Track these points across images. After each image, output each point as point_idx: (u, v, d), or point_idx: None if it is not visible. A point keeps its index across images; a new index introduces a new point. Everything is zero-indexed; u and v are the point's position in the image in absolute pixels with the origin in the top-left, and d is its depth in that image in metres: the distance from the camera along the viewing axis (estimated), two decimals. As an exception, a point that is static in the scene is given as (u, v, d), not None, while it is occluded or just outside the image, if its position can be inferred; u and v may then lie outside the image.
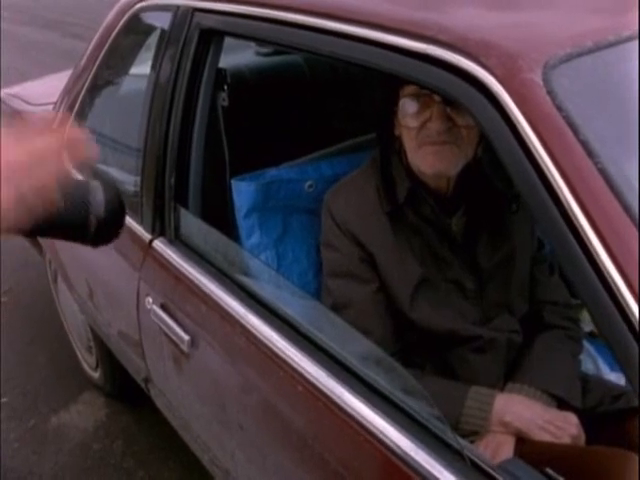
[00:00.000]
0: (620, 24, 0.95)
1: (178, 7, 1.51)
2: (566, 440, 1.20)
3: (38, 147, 0.69)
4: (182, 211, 1.51)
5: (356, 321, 1.15)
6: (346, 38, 1.08)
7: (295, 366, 1.16)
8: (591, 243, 0.78)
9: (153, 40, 1.68)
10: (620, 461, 1.04)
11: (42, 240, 2.39)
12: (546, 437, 1.21)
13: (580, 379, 1.40)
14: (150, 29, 1.76)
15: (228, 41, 1.47)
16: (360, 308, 1.36)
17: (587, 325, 1.55)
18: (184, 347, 1.42)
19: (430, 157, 1.26)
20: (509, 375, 1.38)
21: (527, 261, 1.46)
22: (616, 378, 1.48)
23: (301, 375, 1.15)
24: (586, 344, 1.55)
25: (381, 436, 1.01)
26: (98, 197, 0.91)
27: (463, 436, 1.09)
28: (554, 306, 1.48)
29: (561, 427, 1.21)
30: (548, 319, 1.47)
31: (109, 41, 1.88)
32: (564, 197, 0.80)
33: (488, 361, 1.37)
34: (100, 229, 0.91)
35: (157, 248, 1.56)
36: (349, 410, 1.06)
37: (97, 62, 1.93)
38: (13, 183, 0.64)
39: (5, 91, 2.68)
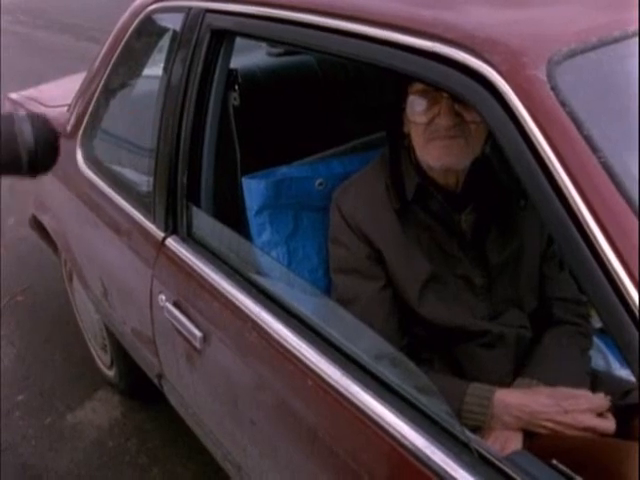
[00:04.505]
0: (625, 20, 0.95)
1: (190, 8, 1.53)
2: (571, 430, 1.20)
3: None
4: (194, 209, 1.52)
5: (360, 317, 1.16)
6: (353, 37, 1.09)
7: (306, 361, 1.17)
8: (594, 236, 0.79)
9: (165, 41, 1.70)
10: (628, 452, 1.05)
11: (57, 240, 2.42)
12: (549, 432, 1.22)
13: (589, 375, 1.40)
14: (162, 31, 1.78)
15: (240, 42, 1.49)
16: (365, 304, 1.37)
17: (597, 321, 1.54)
18: (196, 344, 1.44)
19: (438, 151, 1.27)
20: (518, 370, 1.39)
21: (536, 257, 1.46)
22: (626, 374, 1.47)
23: (312, 370, 1.16)
24: (597, 340, 1.55)
25: (390, 429, 1.02)
26: (25, 128, 0.82)
27: (471, 432, 1.10)
28: (564, 302, 1.48)
29: (561, 422, 1.19)
30: (558, 315, 1.47)
31: (122, 43, 1.90)
32: (568, 191, 0.81)
33: (497, 356, 1.38)
34: (33, 161, 0.83)
35: (170, 246, 1.57)
36: (359, 404, 1.07)
37: (110, 64, 1.96)
38: None
39: (22, 94, 2.71)
